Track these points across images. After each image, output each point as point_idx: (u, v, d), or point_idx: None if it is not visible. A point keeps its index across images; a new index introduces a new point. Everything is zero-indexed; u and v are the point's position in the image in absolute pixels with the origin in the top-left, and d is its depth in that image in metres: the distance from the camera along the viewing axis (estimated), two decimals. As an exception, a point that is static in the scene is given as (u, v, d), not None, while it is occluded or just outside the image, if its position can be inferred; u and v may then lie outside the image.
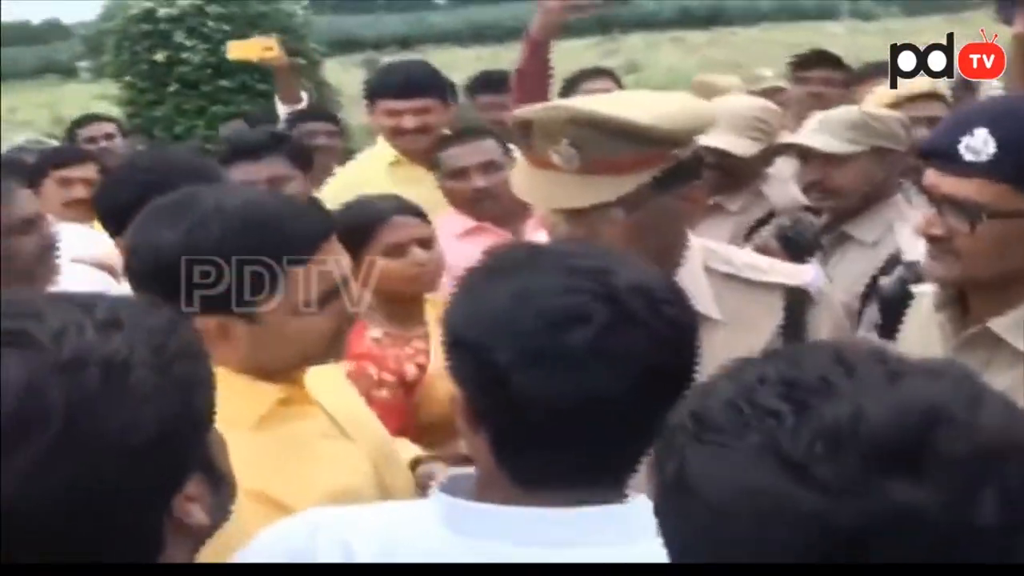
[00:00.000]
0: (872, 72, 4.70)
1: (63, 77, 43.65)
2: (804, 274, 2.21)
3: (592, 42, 35.25)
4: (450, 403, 1.36)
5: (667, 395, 1.13)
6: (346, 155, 6.87)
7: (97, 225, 3.10)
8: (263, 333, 1.81)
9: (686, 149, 2.05)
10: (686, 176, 2.06)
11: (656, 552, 0.92)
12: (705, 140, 3.38)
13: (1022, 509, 0.78)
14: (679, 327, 1.32)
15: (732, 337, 2.04)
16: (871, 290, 2.67)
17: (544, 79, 3.31)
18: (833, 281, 2.56)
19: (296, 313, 1.81)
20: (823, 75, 4.65)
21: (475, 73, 5.91)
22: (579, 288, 1.27)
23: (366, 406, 2.18)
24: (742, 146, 3.47)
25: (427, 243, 2.98)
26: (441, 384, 2.59)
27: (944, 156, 1.86)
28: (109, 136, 6.19)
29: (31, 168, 4.81)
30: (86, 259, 3.08)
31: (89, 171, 4.74)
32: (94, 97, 13.36)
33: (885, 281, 2.35)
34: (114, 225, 2.56)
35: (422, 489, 2.05)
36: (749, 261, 2.22)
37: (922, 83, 3.38)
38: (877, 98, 3.52)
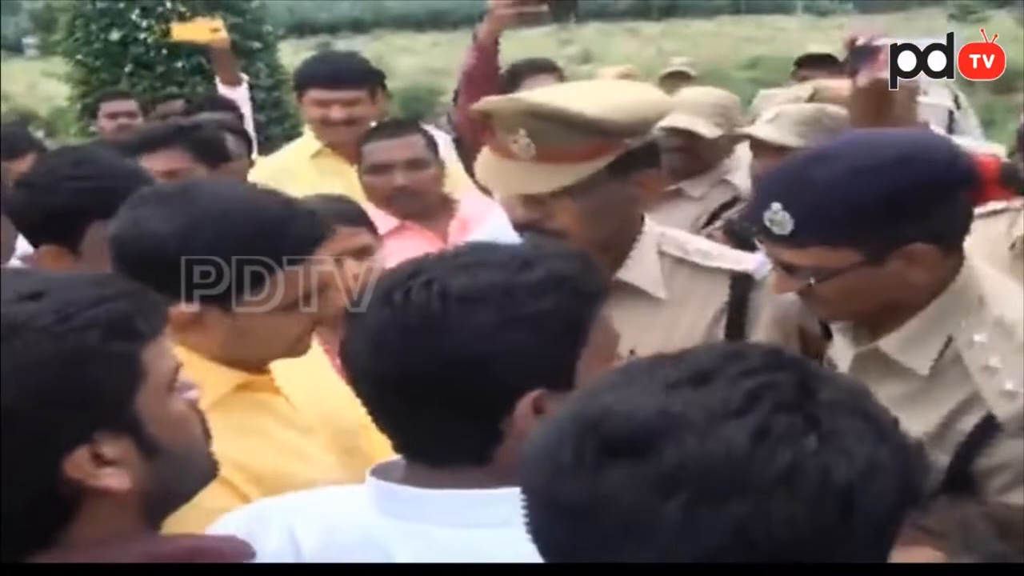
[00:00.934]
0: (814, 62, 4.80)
1: (9, 53, 43.08)
2: (749, 261, 2.35)
3: (547, 31, 35.29)
4: None
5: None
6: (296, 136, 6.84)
7: None
8: (237, 325, 1.83)
9: (639, 138, 2.16)
10: (639, 164, 2.18)
11: None
12: (670, 122, 3.40)
13: (700, 514, 0.88)
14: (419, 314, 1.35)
15: (676, 315, 2.23)
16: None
17: (493, 80, 3.33)
18: None
19: (271, 312, 1.83)
20: (822, 73, 4.77)
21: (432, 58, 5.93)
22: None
23: (344, 398, 2.18)
24: (705, 128, 3.54)
25: (364, 252, 2.75)
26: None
27: (760, 229, 1.94)
28: (131, 114, 6.15)
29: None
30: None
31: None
32: (42, 75, 13.20)
33: None
34: (38, 233, 2.42)
35: None
36: (700, 247, 2.36)
37: None
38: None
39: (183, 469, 1.34)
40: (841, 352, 2.11)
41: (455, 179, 3.61)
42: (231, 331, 1.83)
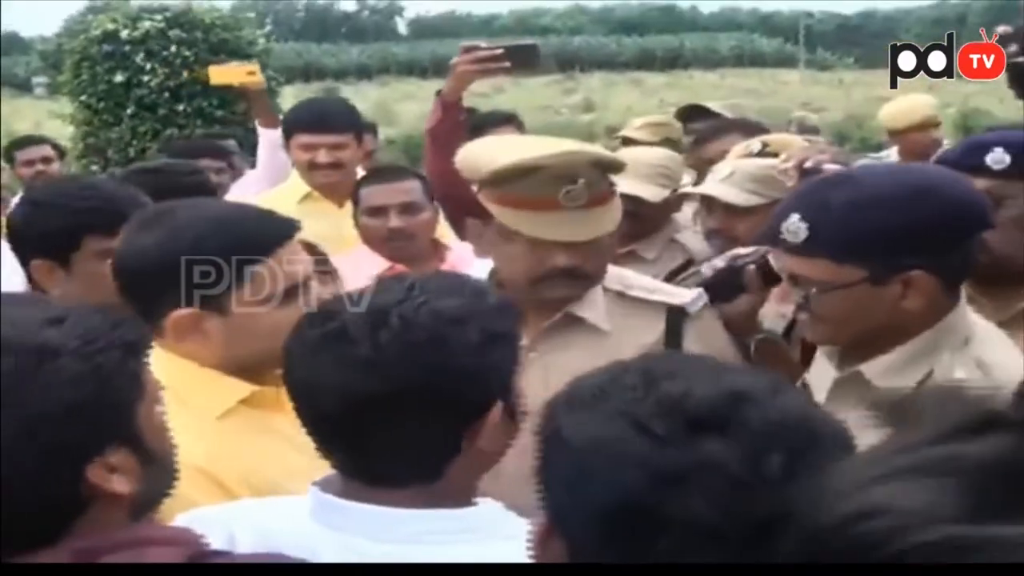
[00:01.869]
0: (730, 126, 4.77)
1: (17, 91, 43.35)
2: (685, 295, 2.47)
3: (551, 80, 35.53)
4: None
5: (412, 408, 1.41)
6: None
7: None
8: (232, 325, 1.92)
9: None
10: None
11: (501, 552, 1.18)
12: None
13: (799, 466, 0.99)
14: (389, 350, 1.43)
15: (619, 346, 2.26)
16: None
17: (457, 137, 3.29)
18: None
19: (262, 306, 1.92)
20: (702, 126, 4.66)
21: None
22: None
23: None
24: (651, 192, 3.53)
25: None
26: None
27: (773, 238, 2.03)
28: (47, 160, 6.14)
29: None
30: None
31: None
32: (48, 114, 13.29)
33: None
34: (32, 249, 2.54)
35: None
36: (642, 283, 2.49)
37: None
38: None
39: (167, 476, 1.47)
40: (819, 376, 2.17)
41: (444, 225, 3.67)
42: (228, 332, 1.92)
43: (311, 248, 2.80)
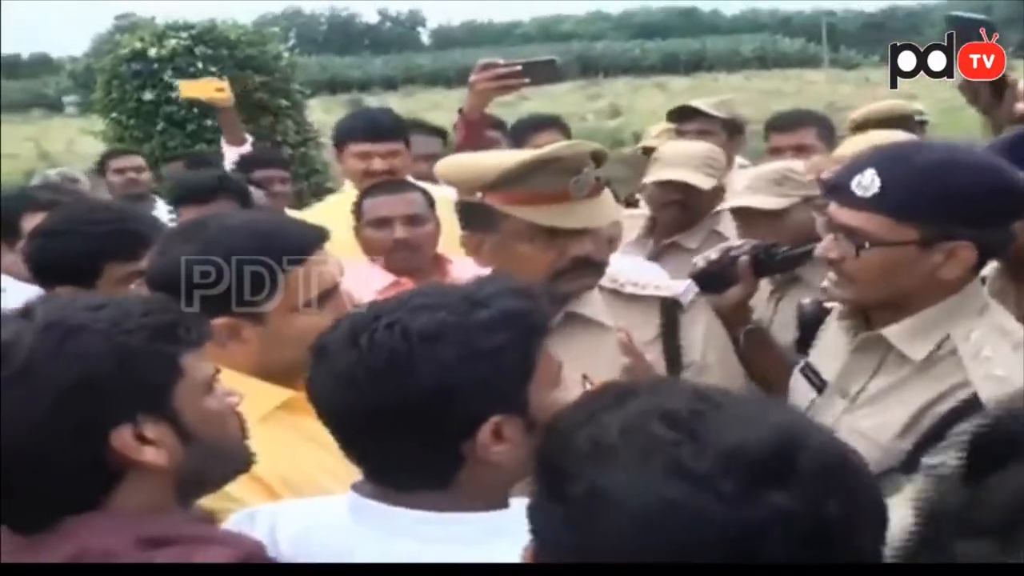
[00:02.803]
0: (806, 119, 4.75)
1: (49, 111, 43.71)
2: (677, 287, 2.52)
3: (576, 85, 35.53)
4: None
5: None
6: (326, 193, 6.99)
7: None
8: (269, 333, 1.99)
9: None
10: None
11: (508, 552, 1.15)
12: (667, 175, 3.59)
13: (856, 505, 1.00)
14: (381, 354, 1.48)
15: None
16: None
17: (485, 150, 3.30)
18: None
19: (297, 312, 2.00)
20: (697, 127, 4.65)
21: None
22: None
23: None
24: (701, 180, 3.60)
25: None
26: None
27: (840, 191, 2.09)
28: (139, 169, 6.25)
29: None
30: None
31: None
32: (80, 132, 13.45)
33: (806, 302, 2.54)
34: (55, 277, 2.57)
35: None
36: (630, 278, 2.53)
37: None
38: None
39: (215, 457, 1.57)
40: (830, 350, 2.27)
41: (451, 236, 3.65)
42: (265, 339, 1.99)
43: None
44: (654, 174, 3.66)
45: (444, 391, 1.45)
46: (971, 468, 1.07)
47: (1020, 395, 1.85)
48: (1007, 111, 2.63)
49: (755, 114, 8.95)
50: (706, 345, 2.46)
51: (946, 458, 1.82)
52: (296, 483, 1.87)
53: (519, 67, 3.40)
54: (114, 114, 10.97)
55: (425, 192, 3.46)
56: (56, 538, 1.41)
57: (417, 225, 3.39)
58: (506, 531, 1.29)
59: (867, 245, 2.04)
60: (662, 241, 3.69)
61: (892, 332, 2.10)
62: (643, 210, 3.92)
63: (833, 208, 2.12)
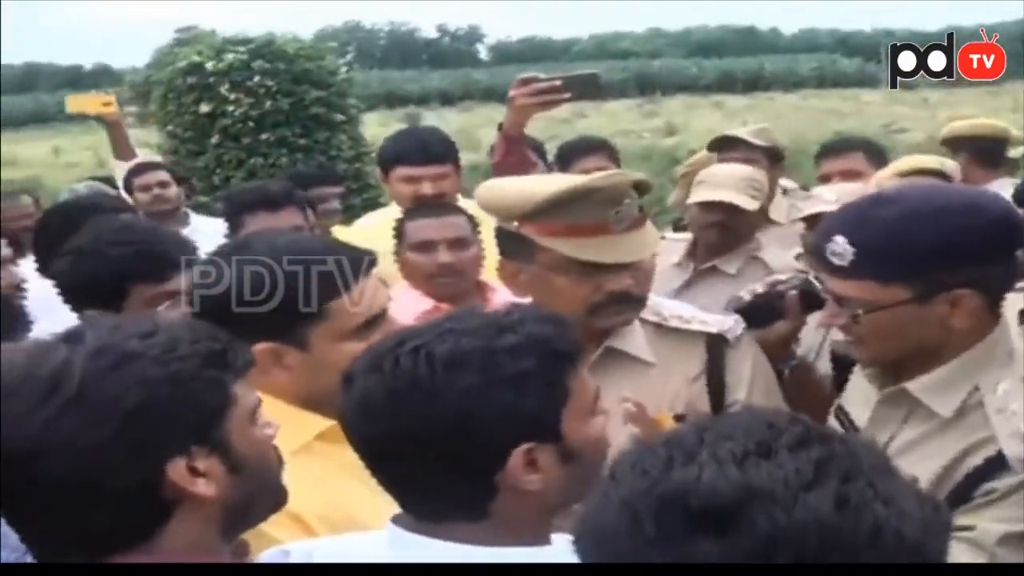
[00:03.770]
0: (853, 144, 4.70)
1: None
2: (723, 323, 2.47)
3: (632, 104, 35.44)
4: None
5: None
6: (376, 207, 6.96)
7: None
8: (313, 359, 1.96)
9: None
10: None
11: None
12: (712, 195, 3.55)
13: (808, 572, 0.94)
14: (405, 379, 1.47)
15: (663, 377, 2.35)
16: None
17: (524, 169, 3.32)
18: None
19: (341, 340, 1.96)
20: (739, 156, 4.70)
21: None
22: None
23: None
24: (745, 201, 3.58)
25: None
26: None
27: (819, 259, 2.07)
28: (163, 184, 6.07)
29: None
30: None
31: None
32: (138, 143, 13.56)
33: (839, 339, 2.50)
34: (84, 299, 2.54)
35: None
36: (675, 312, 2.49)
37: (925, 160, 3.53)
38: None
39: (259, 490, 1.54)
40: (860, 397, 2.21)
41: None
42: (308, 366, 1.96)
43: None
44: (697, 195, 3.62)
45: (468, 417, 1.44)
46: None
47: None
48: None
49: (812, 134, 8.86)
50: (752, 383, 2.41)
51: (975, 520, 1.79)
52: (334, 520, 1.83)
53: (559, 82, 3.30)
54: (170, 126, 11.05)
55: (469, 216, 3.38)
56: None
57: (462, 249, 3.30)
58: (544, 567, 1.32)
59: (860, 311, 2.00)
60: (701, 265, 3.64)
61: (917, 387, 2.04)
62: (686, 235, 3.88)
63: (823, 275, 2.10)
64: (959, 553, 1.84)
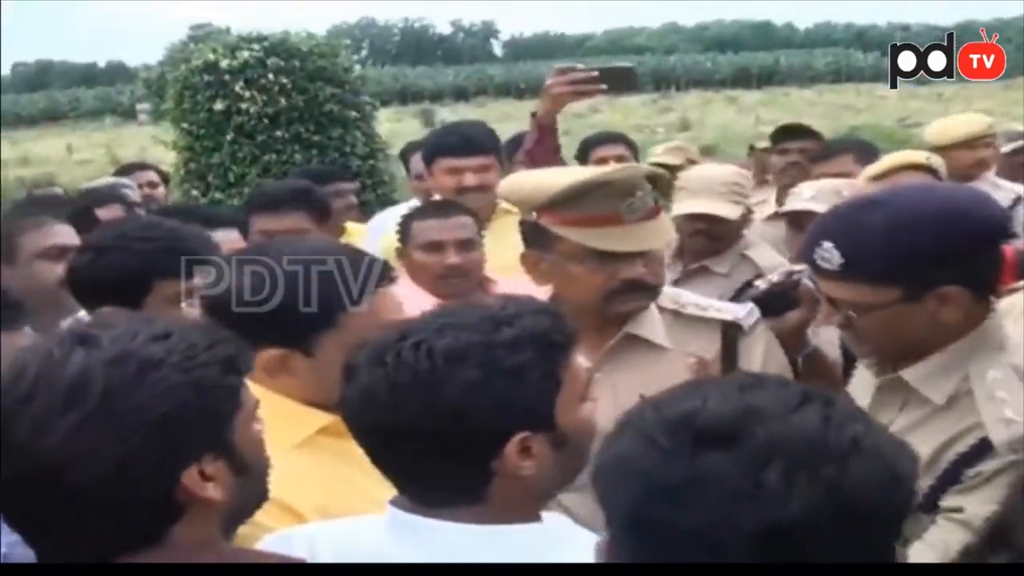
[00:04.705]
0: (842, 147, 4.74)
1: (122, 119, 44.43)
2: (738, 311, 2.53)
3: (648, 99, 35.47)
4: None
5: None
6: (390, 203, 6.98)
7: None
8: (320, 366, 1.95)
9: None
10: None
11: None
12: (693, 208, 3.56)
13: (799, 478, 1.04)
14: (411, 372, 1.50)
15: (679, 362, 2.41)
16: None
17: (554, 158, 3.36)
18: None
19: (349, 349, 1.94)
20: (800, 145, 4.73)
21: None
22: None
23: None
24: (728, 210, 3.57)
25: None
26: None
27: (810, 263, 2.11)
28: (152, 184, 6.11)
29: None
30: None
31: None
32: (152, 140, 13.59)
33: None
34: (101, 295, 2.49)
35: None
36: (692, 300, 2.56)
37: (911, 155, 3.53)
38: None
39: (256, 488, 1.55)
40: (862, 384, 2.26)
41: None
42: (313, 372, 1.96)
43: None
44: (679, 207, 3.60)
45: (468, 409, 1.48)
46: None
47: None
48: None
49: (828, 129, 8.85)
50: (764, 368, 2.45)
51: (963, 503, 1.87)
52: (333, 511, 1.82)
53: (596, 73, 3.32)
54: (185, 124, 11.07)
55: (473, 214, 3.39)
56: None
57: (469, 251, 3.31)
58: (539, 543, 1.44)
59: (852, 313, 2.05)
60: (690, 265, 3.66)
61: (911, 375, 2.10)
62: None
63: (815, 278, 2.17)
64: (951, 533, 1.95)
